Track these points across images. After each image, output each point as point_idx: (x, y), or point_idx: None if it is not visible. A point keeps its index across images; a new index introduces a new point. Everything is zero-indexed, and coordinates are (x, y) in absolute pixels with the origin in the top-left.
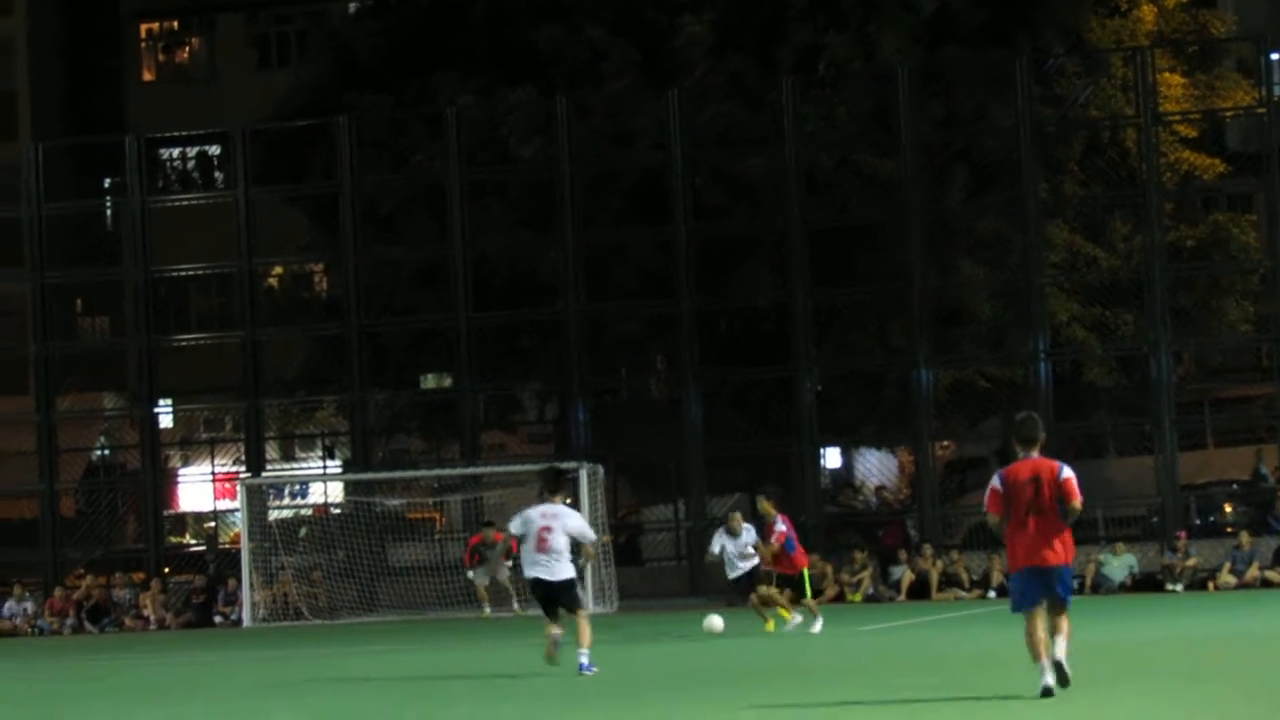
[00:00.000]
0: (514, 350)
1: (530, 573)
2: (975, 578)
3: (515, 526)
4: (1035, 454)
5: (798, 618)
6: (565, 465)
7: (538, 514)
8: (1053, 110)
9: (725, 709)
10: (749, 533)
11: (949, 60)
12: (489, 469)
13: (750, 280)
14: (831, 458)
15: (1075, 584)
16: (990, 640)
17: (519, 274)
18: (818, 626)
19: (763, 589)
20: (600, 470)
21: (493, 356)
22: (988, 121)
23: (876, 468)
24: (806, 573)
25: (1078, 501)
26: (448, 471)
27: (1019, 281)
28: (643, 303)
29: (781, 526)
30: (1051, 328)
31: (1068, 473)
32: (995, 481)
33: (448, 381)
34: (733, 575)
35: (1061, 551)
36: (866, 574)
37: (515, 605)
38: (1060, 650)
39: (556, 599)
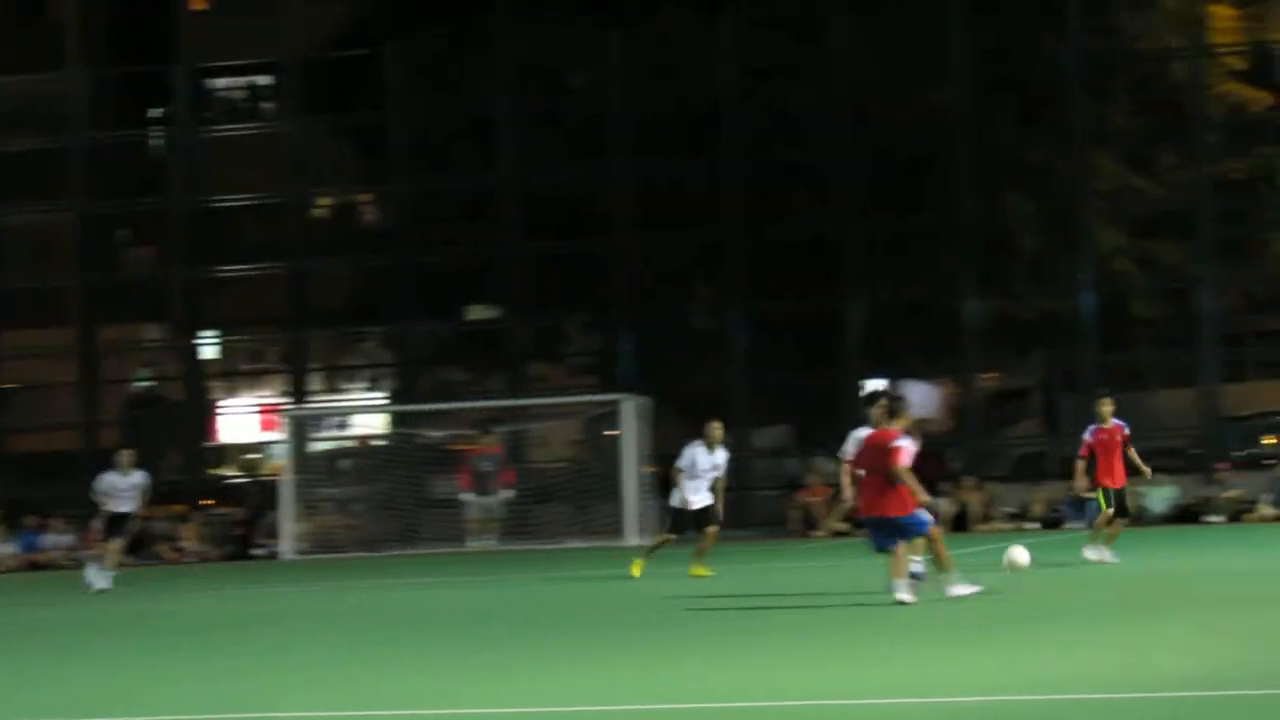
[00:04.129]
0: (560, 282)
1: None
2: (1015, 510)
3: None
4: (896, 425)
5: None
6: (614, 396)
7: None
8: (1102, 41)
9: (782, 640)
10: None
11: None
12: (533, 401)
13: (798, 210)
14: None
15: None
16: (1023, 572)
17: (567, 205)
18: (1095, 553)
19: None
20: (645, 402)
21: (539, 288)
22: (1037, 52)
23: (921, 399)
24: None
25: (898, 468)
26: (492, 403)
27: (1065, 212)
28: (691, 233)
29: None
30: (1097, 259)
31: (898, 442)
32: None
33: (493, 313)
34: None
35: (903, 503)
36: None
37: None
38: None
39: None
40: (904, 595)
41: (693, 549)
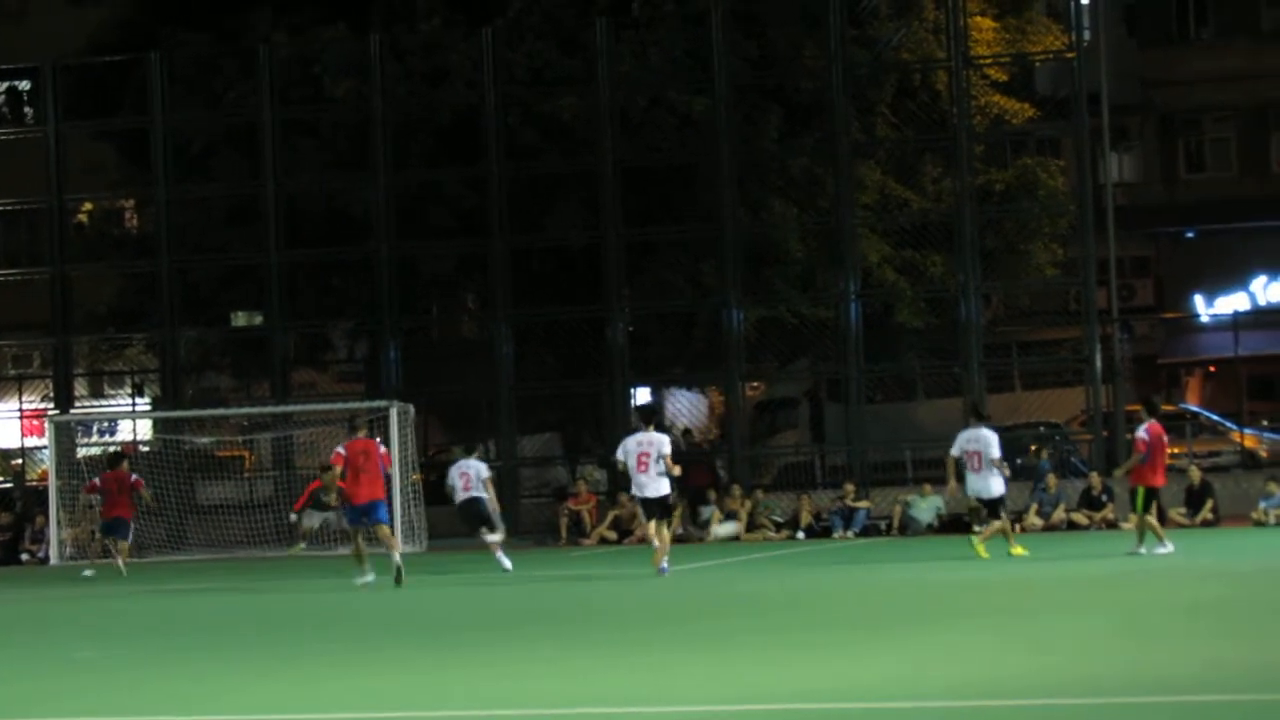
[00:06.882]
0: (325, 289)
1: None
2: (783, 519)
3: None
4: (363, 435)
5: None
6: (379, 404)
7: (634, 442)
8: (865, 52)
9: (524, 648)
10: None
11: (763, 0)
12: (299, 407)
13: (563, 219)
14: (642, 398)
15: (883, 524)
16: (794, 581)
17: (331, 213)
18: (1160, 549)
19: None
20: (410, 409)
21: (304, 295)
22: (801, 62)
23: (687, 408)
24: (1141, 490)
25: (390, 468)
26: (257, 410)
27: (830, 222)
28: (455, 242)
29: (1141, 435)
30: (862, 269)
31: (384, 449)
32: (340, 449)
33: (258, 319)
34: None
35: (379, 492)
36: (675, 514)
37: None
38: (397, 557)
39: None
40: (366, 579)
41: None
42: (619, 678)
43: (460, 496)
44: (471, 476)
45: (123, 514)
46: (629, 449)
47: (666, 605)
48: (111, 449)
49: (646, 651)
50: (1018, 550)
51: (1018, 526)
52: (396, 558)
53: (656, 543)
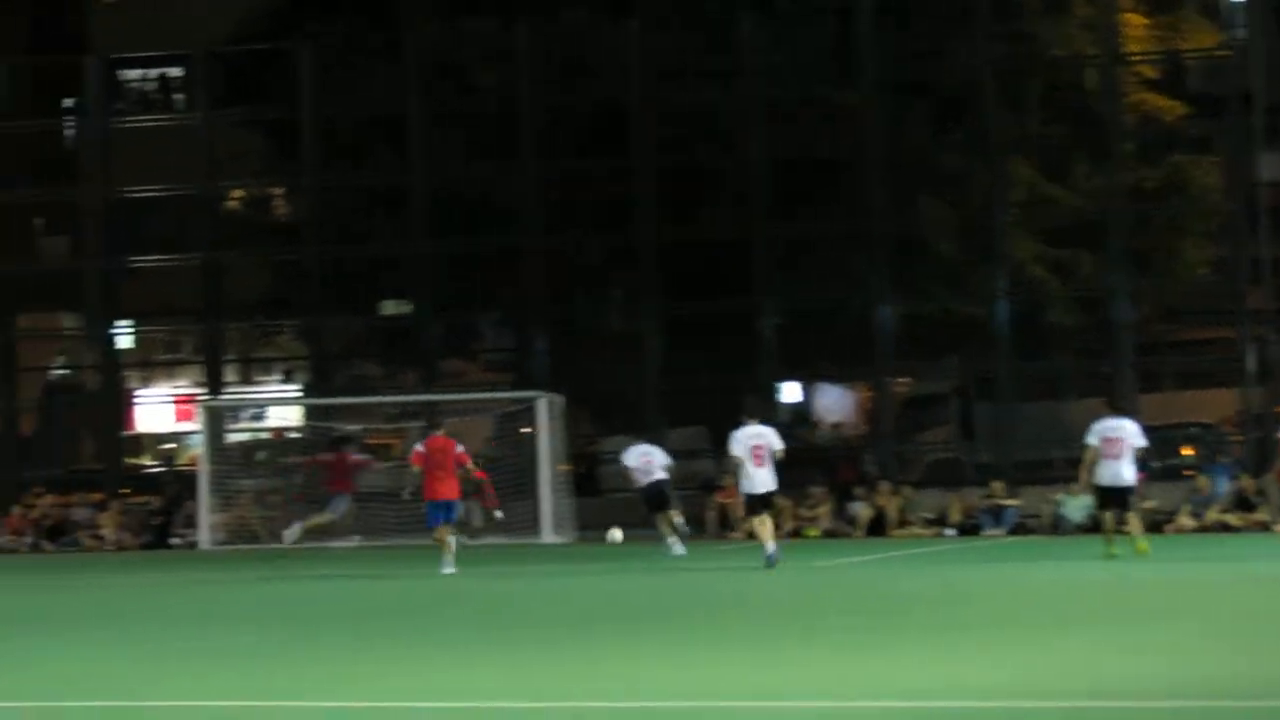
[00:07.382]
0: (473, 278)
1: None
2: (932, 515)
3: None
4: (442, 433)
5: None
6: (528, 394)
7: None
8: (1015, 47)
9: (665, 642)
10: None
11: None
12: (447, 396)
13: (711, 212)
14: (792, 392)
15: (1032, 523)
16: (940, 577)
17: (477, 202)
18: None
19: None
20: (561, 400)
21: (451, 284)
22: (949, 57)
23: (835, 403)
24: None
25: (469, 463)
26: (405, 398)
27: (980, 219)
28: (603, 234)
29: None
30: (1012, 266)
31: (460, 449)
32: (419, 446)
33: (405, 308)
34: None
35: (454, 491)
36: (823, 509)
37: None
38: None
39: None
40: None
41: None
42: (779, 671)
43: (643, 480)
44: (655, 461)
45: (343, 489)
46: (742, 443)
47: (828, 600)
48: (337, 435)
49: (782, 646)
50: (1139, 547)
51: (1167, 527)
52: (454, 549)
53: (769, 539)
